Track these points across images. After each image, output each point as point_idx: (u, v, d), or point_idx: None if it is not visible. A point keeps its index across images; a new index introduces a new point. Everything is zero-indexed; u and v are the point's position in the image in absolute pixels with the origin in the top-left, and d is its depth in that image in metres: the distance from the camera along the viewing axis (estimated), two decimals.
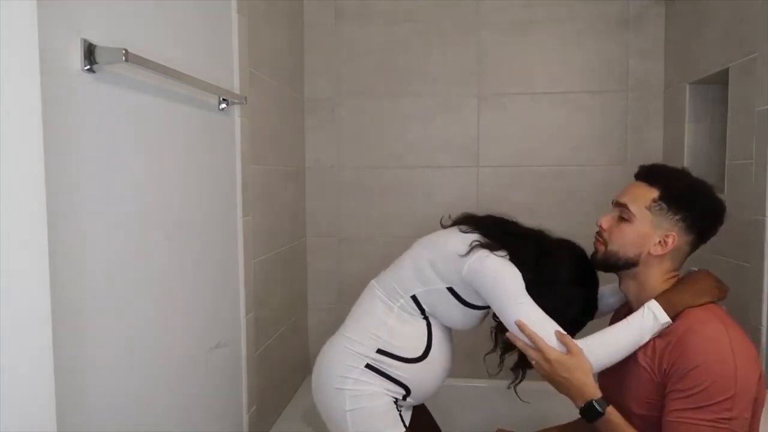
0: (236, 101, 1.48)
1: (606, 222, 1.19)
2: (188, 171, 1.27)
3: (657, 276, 1.15)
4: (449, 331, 1.37)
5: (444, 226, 1.39)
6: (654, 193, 1.12)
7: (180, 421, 1.24)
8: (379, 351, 1.29)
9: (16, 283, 0.62)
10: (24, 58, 0.63)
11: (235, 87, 1.52)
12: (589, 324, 1.28)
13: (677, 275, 1.17)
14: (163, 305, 1.17)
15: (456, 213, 1.41)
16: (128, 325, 1.04)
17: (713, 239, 1.16)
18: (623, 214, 1.15)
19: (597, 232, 1.21)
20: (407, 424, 1.32)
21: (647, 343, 1.10)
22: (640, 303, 1.14)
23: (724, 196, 1.53)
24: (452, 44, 2.19)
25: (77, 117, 0.90)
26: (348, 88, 2.25)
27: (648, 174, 1.17)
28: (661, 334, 1.09)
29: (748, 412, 1.01)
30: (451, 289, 1.26)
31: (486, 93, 2.19)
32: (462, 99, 2.20)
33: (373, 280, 1.40)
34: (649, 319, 1.08)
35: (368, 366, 1.29)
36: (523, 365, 1.30)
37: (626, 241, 1.14)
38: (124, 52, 0.91)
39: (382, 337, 1.30)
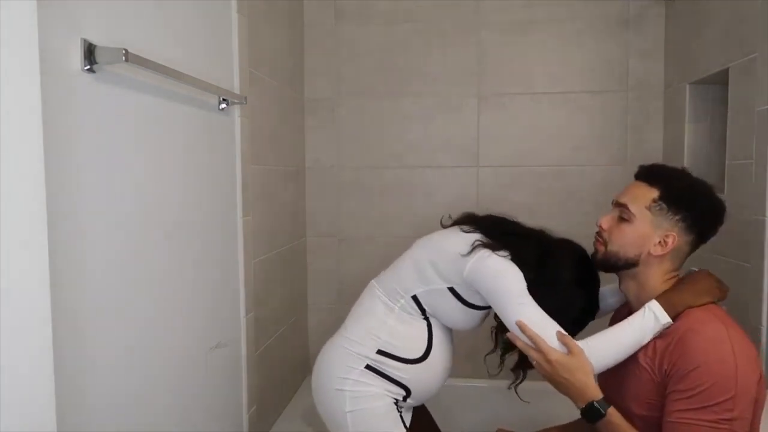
0: (236, 101, 1.48)
1: (606, 222, 1.19)
2: (188, 171, 1.27)
3: (657, 276, 1.15)
4: (450, 331, 1.37)
5: (444, 226, 1.39)
6: (654, 193, 1.12)
7: (180, 421, 1.24)
8: (380, 352, 1.29)
9: (16, 283, 0.62)
10: (24, 58, 0.63)
11: (235, 87, 1.52)
12: (589, 324, 1.28)
13: (677, 275, 1.17)
14: (163, 305, 1.17)
15: (456, 213, 1.41)
16: (128, 325, 1.04)
17: (713, 239, 1.16)
18: (623, 215, 1.15)
19: (597, 233, 1.21)
20: (408, 425, 1.32)
21: (647, 344, 1.10)
22: (640, 303, 1.14)
23: (724, 196, 1.53)
24: (452, 44, 2.19)
25: (77, 117, 0.90)
26: (348, 88, 2.25)
27: (648, 174, 1.17)
28: (662, 335, 1.09)
29: (748, 412, 1.01)
30: (452, 289, 1.26)
31: (486, 93, 2.19)
32: (462, 99, 2.20)
33: (373, 281, 1.39)
34: (650, 319, 1.08)
35: (368, 367, 1.29)
36: (523, 366, 1.29)
37: (626, 241, 1.14)
38: (124, 52, 0.91)
39: (382, 337, 1.29)
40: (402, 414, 1.31)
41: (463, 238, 1.26)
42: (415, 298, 1.29)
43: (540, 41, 2.15)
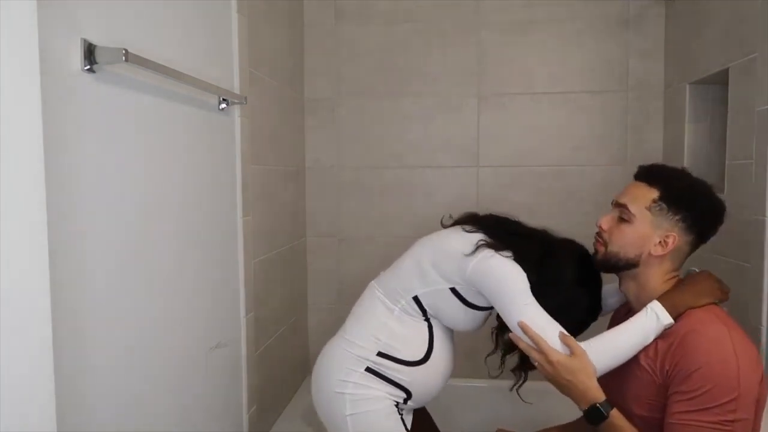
0: (236, 101, 1.48)
1: (606, 223, 1.19)
2: (188, 171, 1.27)
3: (657, 276, 1.14)
4: (451, 333, 1.36)
5: (444, 226, 1.38)
6: (654, 193, 1.12)
7: (180, 422, 1.24)
8: (380, 354, 1.28)
9: (16, 283, 0.62)
10: (24, 58, 0.63)
11: (235, 87, 1.52)
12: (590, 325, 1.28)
13: (677, 276, 1.17)
14: (163, 305, 1.17)
15: (456, 213, 1.41)
16: (128, 325, 1.04)
17: (713, 239, 1.16)
18: (623, 215, 1.15)
19: (597, 233, 1.21)
20: (408, 427, 1.31)
21: (648, 344, 1.10)
22: (640, 303, 1.14)
23: (724, 196, 1.52)
24: (452, 44, 2.19)
25: (77, 117, 0.89)
26: (348, 88, 2.25)
27: (648, 174, 1.17)
28: (663, 335, 1.08)
29: (750, 413, 1.01)
30: (453, 290, 1.25)
31: (486, 93, 2.19)
32: (462, 99, 2.20)
33: (373, 281, 1.38)
34: (652, 320, 1.08)
35: (368, 369, 1.28)
36: (525, 367, 1.29)
37: (626, 241, 1.14)
38: (124, 52, 0.91)
39: (382, 339, 1.28)
40: (403, 417, 1.30)
41: (466, 238, 1.25)
42: (416, 298, 1.29)
43: (540, 41, 2.15)
